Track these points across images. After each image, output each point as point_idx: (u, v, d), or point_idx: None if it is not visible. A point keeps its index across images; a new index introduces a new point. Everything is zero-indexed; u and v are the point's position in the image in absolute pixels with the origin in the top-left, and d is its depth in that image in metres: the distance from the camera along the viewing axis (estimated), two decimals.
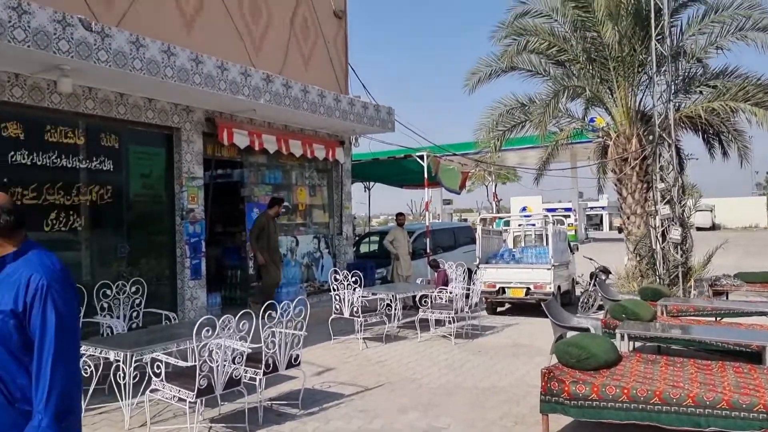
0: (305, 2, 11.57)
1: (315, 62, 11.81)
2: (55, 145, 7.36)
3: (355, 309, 8.61)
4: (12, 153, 6.92)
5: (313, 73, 11.63)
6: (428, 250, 12.92)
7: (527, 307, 11.27)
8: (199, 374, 4.83)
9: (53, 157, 7.33)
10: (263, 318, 5.54)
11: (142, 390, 5.45)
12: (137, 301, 7.30)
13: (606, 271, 11.72)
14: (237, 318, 5.18)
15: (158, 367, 5.06)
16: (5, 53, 6.10)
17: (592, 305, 11.04)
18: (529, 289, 10.77)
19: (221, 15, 9.59)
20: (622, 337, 6.61)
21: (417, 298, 9.65)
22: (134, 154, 8.43)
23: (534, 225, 15.31)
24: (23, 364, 2.17)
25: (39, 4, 6.12)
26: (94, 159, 7.83)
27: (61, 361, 2.14)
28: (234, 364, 5.16)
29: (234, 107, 9.24)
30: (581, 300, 11.14)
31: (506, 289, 10.99)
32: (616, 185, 14.47)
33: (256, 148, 9.89)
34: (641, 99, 14.24)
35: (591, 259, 12.31)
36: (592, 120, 15.84)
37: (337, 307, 8.81)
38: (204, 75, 7.97)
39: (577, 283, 12.70)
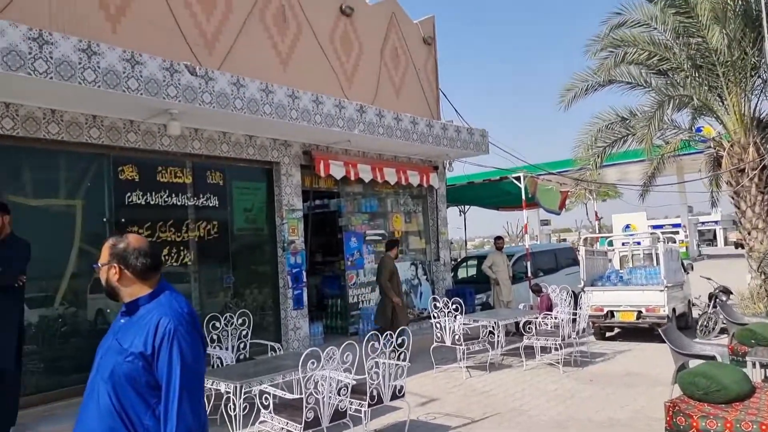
0: (395, 32, 11.72)
1: (406, 90, 11.89)
2: (166, 185, 7.80)
3: (456, 337, 8.42)
4: (128, 194, 7.39)
5: (405, 101, 11.71)
6: (529, 274, 12.51)
7: (639, 332, 10.61)
8: (306, 406, 4.84)
9: (164, 196, 7.75)
10: (366, 348, 5.50)
11: (251, 421, 5.55)
12: (244, 333, 7.50)
13: (727, 292, 10.84)
14: (341, 349, 5.17)
15: (266, 399, 5.13)
16: (121, 102, 6.56)
17: (713, 329, 10.22)
18: (640, 312, 10.13)
19: (314, 50, 9.88)
20: (754, 365, 6.02)
21: (520, 325, 9.31)
22: (237, 190, 8.78)
23: (640, 243, 14.49)
24: (150, 406, 2.23)
25: (149, 54, 6.54)
26: (201, 196, 8.21)
27: (187, 404, 2.19)
28: (339, 395, 5.13)
29: (329, 139, 9.43)
30: (700, 323, 10.35)
31: (615, 313, 10.40)
32: (732, 198, 13.41)
33: (352, 178, 10.03)
34: (756, 105, 13.20)
35: (708, 278, 11.44)
36: (698, 130, 14.86)
37: (438, 335, 8.65)
38: (300, 110, 8.19)
39: (694, 305, 11.82)
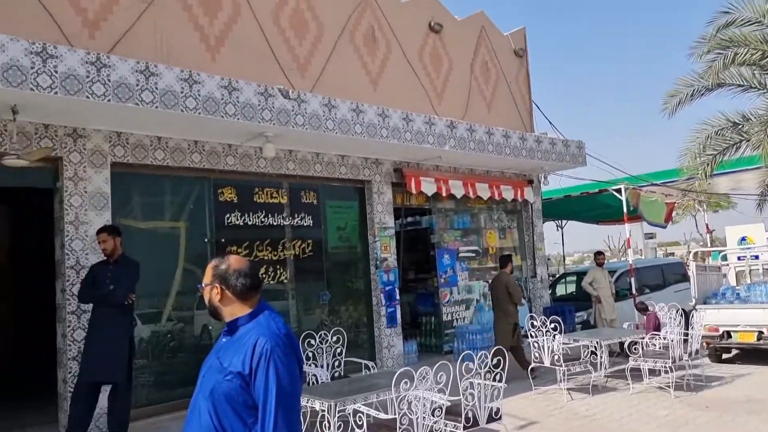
0: (484, 45, 11.59)
1: (497, 103, 11.70)
2: (263, 205, 8.06)
3: (556, 357, 8.07)
4: (228, 215, 7.69)
5: (497, 115, 11.52)
6: (633, 291, 11.84)
7: (761, 354, 9.72)
8: (400, 427, 4.77)
9: (261, 216, 8.01)
10: (460, 368, 5.37)
11: None
12: (338, 350, 7.55)
13: None
14: (434, 369, 5.07)
15: (360, 418, 5.11)
16: (220, 127, 6.86)
17: None
18: (761, 333, 9.28)
19: (404, 68, 9.94)
20: None
21: (625, 345, 8.79)
22: (330, 209, 8.94)
23: (758, 257, 13.37)
24: (247, 425, 2.27)
25: (245, 80, 6.81)
26: (296, 215, 8.42)
27: (283, 424, 2.21)
28: (433, 416, 5.02)
29: (420, 156, 9.41)
30: None
31: (732, 333, 9.59)
32: None
33: (444, 194, 9.95)
34: None
35: None
36: None
37: (536, 354, 8.33)
38: (390, 128, 8.23)
39: None
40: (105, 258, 5.95)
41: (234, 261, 2.48)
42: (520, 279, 11.89)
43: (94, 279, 5.88)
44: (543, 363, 8.21)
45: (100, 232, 5.92)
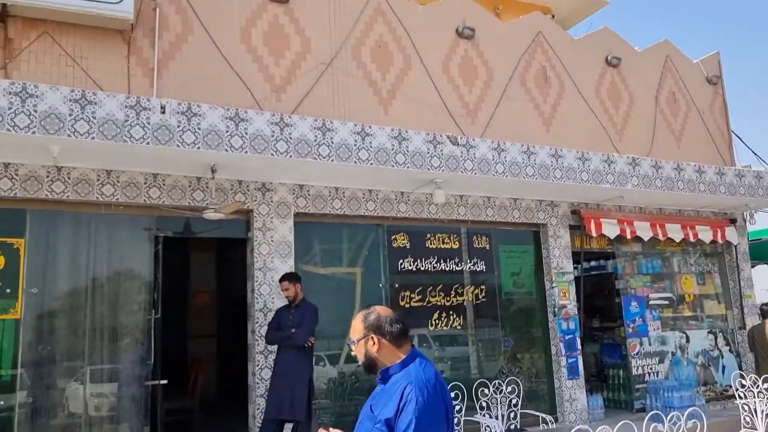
0: (670, 75, 10.77)
1: (688, 136, 10.72)
2: (435, 251, 8.13)
3: None
4: (401, 261, 7.87)
5: (688, 149, 10.55)
6: None
7: None
8: None
9: (433, 262, 8.08)
10: (647, 429, 4.83)
11: None
12: (514, 401, 7.24)
13: None
14: (615, 429, 4.62)
15: None
16: (391, 176, 7.11)
17: None
18: None
19: (579, 106, 9.57)
20: None
21: None
22: (504, 253, 8.74)
23: None
24: None
25: (415, 130, 7.02)
26: (468, 261, 8.36)
27: None
28: None
29: (599, 196, 8.88)
30: None
31: None
32: None
33: (628, 237, 9.25)
34: None
35: None
36: None
37: (747, 419, 7.24)
38: (564, 168, 7.91)
39: None
40: (288, 303, 6.39)
41: (381, 310, 2.55)
42: (725, 330, 10.54)
43: (279, 322, 6.33)
44: (755, 429, 7.11)
45: (281, 280, 6.38)
